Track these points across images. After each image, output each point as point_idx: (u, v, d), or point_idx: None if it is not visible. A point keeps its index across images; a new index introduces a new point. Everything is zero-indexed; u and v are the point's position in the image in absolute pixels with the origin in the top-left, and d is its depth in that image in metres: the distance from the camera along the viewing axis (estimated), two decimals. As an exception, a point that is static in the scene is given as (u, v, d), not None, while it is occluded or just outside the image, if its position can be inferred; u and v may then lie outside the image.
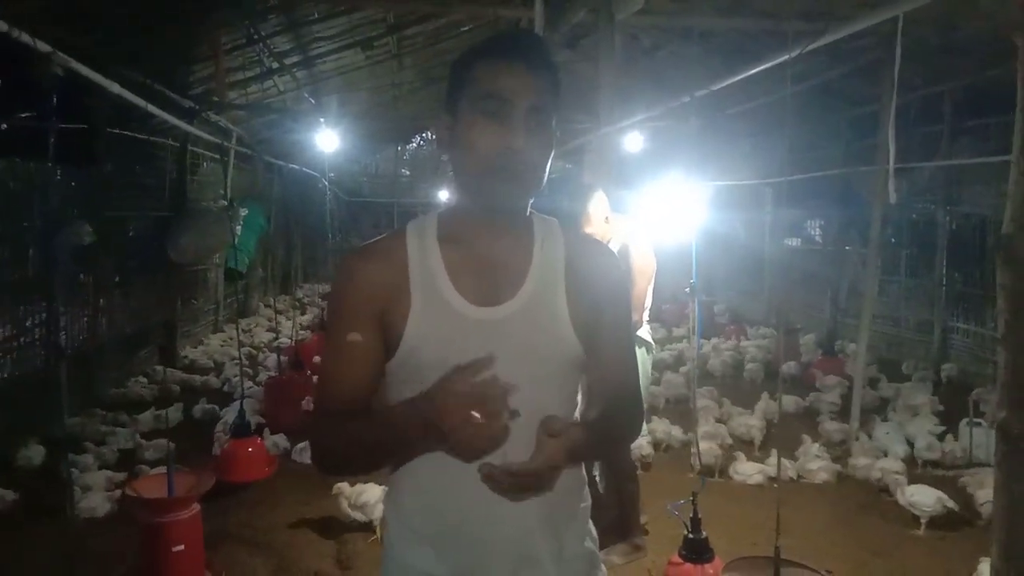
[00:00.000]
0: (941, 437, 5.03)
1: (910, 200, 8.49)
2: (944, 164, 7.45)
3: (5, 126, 4.92)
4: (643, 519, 3.79)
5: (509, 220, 1.22)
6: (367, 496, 3.81)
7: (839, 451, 5.11)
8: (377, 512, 3.76)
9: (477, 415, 0.99)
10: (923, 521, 3.99)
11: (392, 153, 18.61)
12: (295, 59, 7.65)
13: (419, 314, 1.16)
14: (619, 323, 1.30)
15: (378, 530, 3.81)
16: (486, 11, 6.60)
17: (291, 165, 11.39)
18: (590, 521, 1.31)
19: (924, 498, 3.99)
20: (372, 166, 19.84)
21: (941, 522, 4.08)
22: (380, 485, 3.84)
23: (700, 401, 5.96)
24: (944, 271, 8.01)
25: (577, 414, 1.29)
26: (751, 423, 5.47)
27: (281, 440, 5.18)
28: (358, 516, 3.82)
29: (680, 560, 2.79)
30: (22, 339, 5.54)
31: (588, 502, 1.30)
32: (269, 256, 12.95)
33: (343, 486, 3.87)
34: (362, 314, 1.17)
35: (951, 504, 3.96)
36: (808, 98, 7.74)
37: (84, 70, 2.95)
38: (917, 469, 4.82)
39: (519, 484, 1.05)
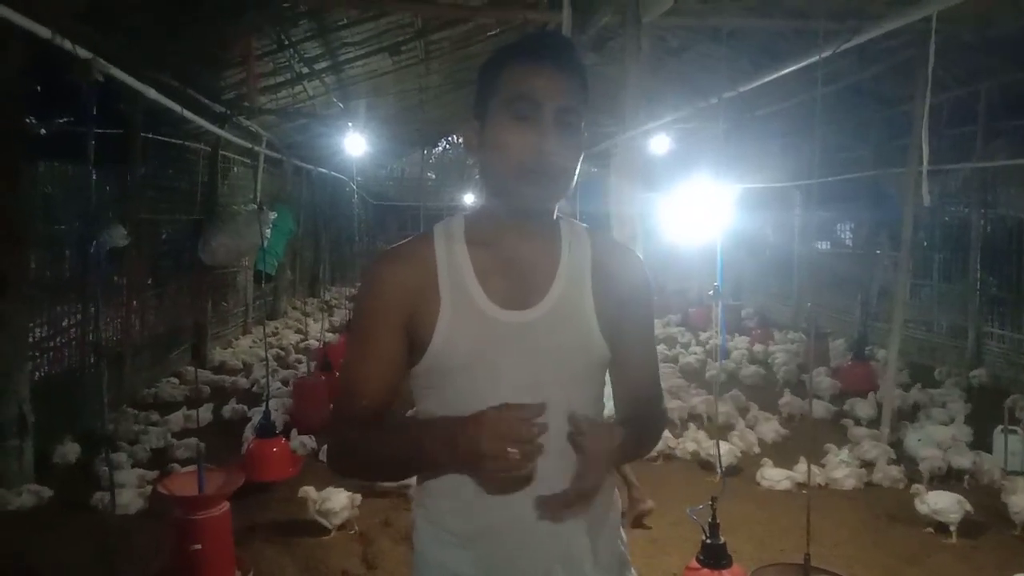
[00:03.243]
0: (972, 445, 4.94)
1: (943, 202, 8.35)
2: (979, 165, 7.31)
3: (44, 131, 5.06)
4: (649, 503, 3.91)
5: (537, 223, 1.23)
6: (332, 503, 3.87)
7: (866, 458, 5.02)
8: (340, 518, 3.85)
9: (515, 451, 1.01)
10: (952, 528, 3.92)
11: (418, 157, 18.72)
12: (324, 64, 7.74)
13: (448, 317, 1.16)
14: (644, 326, 1.31)
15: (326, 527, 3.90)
16: (514, 15, 6.62)
17: (319, 169, 11.54)
18: (620, 523, 1.31)
19: (947, 503, 3.93)
20: (398, 170, 19.99)
21: (973, 530, 4.01)
22: (346, 492, 3.91)
23: (723, 406, 5.92)
24: (978, 274, 7.85)
25: (604, 415, 1.29)
26: (774, 427, 5.53)
27: (308, 440, 5.25)
28: (322, 521, 3.87)
29: (698, 566, 2.76)
30: (58, 339, 5.67)
31: (620, 505, 1.30)
32: (297, 259, 13.10)
33: (309, 490, 3.94)
34: (389, 318, 1.17)
35: (968, 507, 3.91)
36: (838, 99, 7.64)
37: (123, 76, 3.02)
38: (951, 479, 4.74)
39: (572, 503, 1.09)
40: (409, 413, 1.38)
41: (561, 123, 1.14)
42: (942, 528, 3.96)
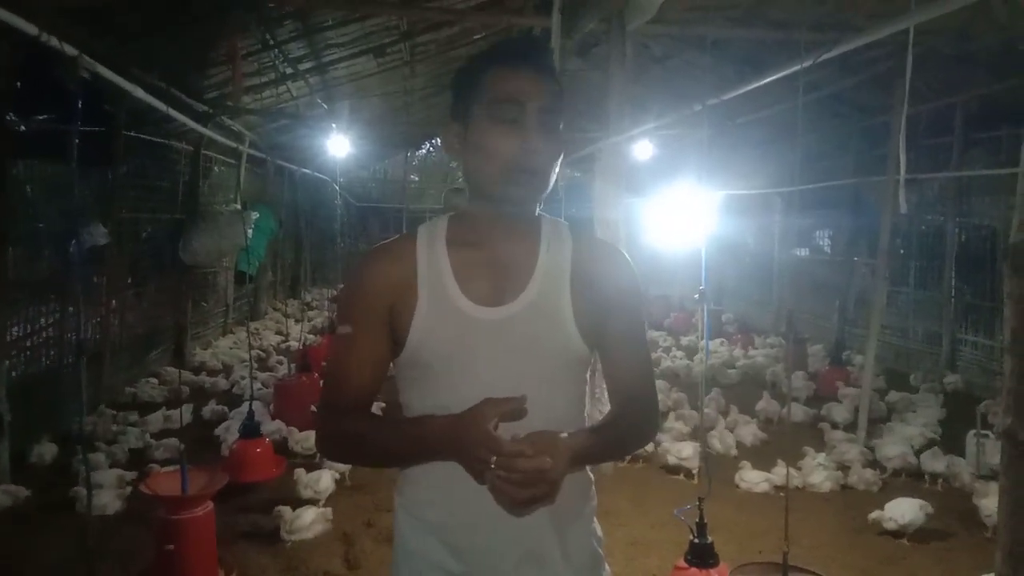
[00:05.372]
0: (945, 449, 5.03)
1: (920, 211, 8.48)
2: (954, 175, 7.46)
3: (24, 128, 4.99)
4: None
5: (517, 222, 1.26)
6: (324, 484, 4.24)
7: (843, 461, 5.10)
8: (313, 532, 3.90)
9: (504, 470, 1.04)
10: (907, 534, 4.00)
11: (402, 159, 18.68)
12: (308, 65, 7.71)
13: (425, 313, 1.20)
14: (631, 325, 1.31)
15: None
16: (499, 19, 6.65)
17: (302, 169, 11.49)
18: (596, 521, 1.33)
19: (906, 510, 3.99)
20: (381, 171, 19.92)
21: (947, 533, 4.10)
22: (315, 508, 4.00)
23: (705, 408, 5.98)
24: (953, 282, 7.99)
25: (585, 414, 1.31)
26: (752, 430, 5.62)
27: (283, 427, 5.38)
28: (310, 495, 4.19)
29: (686, 565, 2.80)
30: (35, 338, 5.60)
31: (594, 502, 1.32)
32: (278, 259, 13.02)
33: (300, 472, 4.30)
34: (371, 311, 1.22)
35: (930, 510, 3.99)
36: (819, 108, 7.76)
37: (109, 74, 3.00)
38: (925, 483, 4.83)
39: (524, 493, 1.05)
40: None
41: (542, 124, 1.18)
42: (913, 532, 4.02)
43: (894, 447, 5.05)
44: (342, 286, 1.39)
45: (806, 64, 3.15)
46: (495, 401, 1.08)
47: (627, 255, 1.35)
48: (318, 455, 4.86)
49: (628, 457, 5.12)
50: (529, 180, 1.18)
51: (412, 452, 1.21)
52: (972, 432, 4.94)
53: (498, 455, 1.04)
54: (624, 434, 1.29)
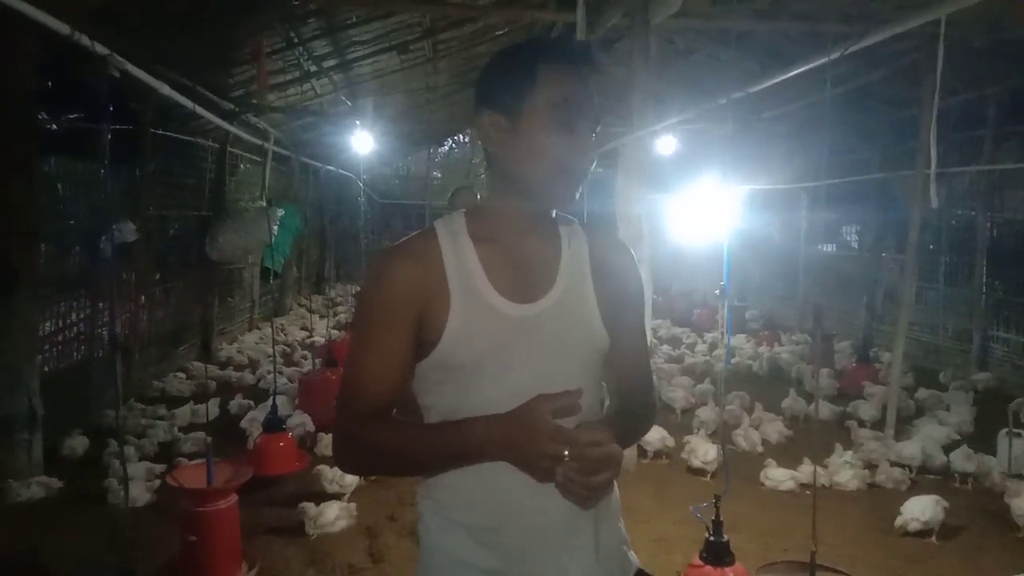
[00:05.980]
0: (976, 448, 4.95)
1: (950, 206, 8.34)
2: (986, 169, 7.32)
3: (55, 127, 5.09)
4: None
5: (539, 218, 1.27)
6: (349, 479, 4.31)
7: (870, 460, 5.03)
8: (337, 527, 3.92)
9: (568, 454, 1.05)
10: (934, 533, 3.94)
11: (425, 156, 18.75)
12: (332, 63, 7.76)
13: (459, 313, 1.17)
14: (638, 317, 1.36)
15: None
16: (522, 15, 6.64)
17: (327, 166, 11.58)
18: (619, 507, 1.34)
19: (923, 509, 3.93)
20: (404, 168, 19.99)
21: (977, 533, 4.03)
22: (338, 503, 4.03)
23: (728, 406, 5.94)
24: (984, 278, 7.85)
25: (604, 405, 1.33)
26: (778, 427, 5.55)
27: (306, 420, 5.40)
28: (335, 489, 4.26)
29: (701, 563, 2.79)
30: (66, 333, 5.71)
31: (617, 493, 1.33)
32: (303, 256, 13.14)
33: (323, 468, 4.36)
34: (398, 315, 1.18)
35: (946, 504, 3.95)
36: (846, 101, 7.64)
37: (138, 72, 3.05)
38: (955, 482, 4.76)
39: (597, 481, 1.07)
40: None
41: (595, 128, 1.20)
42: (942, 531, 3.97)
43: (913, 446, 4.97)
44: (361, 287, 1.37)
45: (833, 56, 3.11)
46: (548, 397, 1.08)
47: (631, 250, 1.39)
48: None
49: (651, 454, 5.11)
50: (577, 183, 1.20)
51: (449, 457, 1.17)
52: (1003, 431, 4.85)
53: (573, 446, 1.04)
54: (630, 424, 1.32)
